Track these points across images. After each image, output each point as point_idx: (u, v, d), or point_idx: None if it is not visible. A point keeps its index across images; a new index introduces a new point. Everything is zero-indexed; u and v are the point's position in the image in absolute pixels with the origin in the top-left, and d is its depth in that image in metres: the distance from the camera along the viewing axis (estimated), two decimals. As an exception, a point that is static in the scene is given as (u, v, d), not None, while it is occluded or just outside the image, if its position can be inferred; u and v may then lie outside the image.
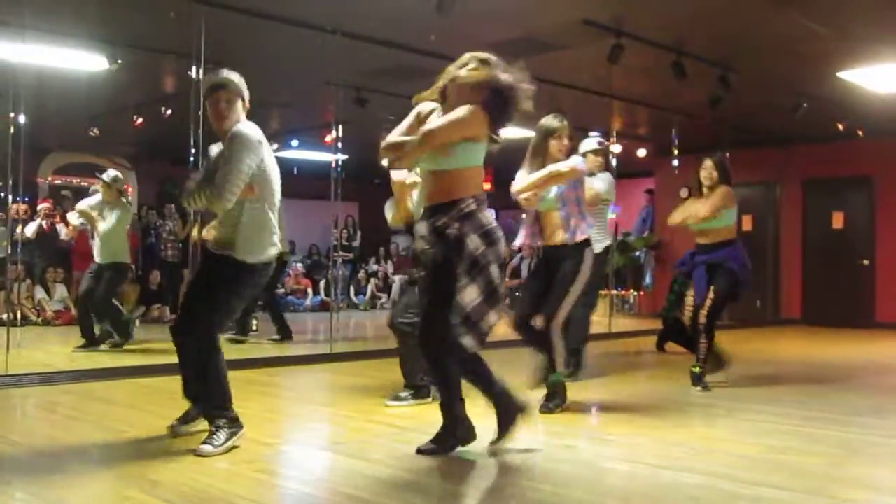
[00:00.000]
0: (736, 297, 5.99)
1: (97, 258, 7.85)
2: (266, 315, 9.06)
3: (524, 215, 5.07)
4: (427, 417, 4.70)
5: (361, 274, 15.75)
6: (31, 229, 10.73)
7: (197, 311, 3.94)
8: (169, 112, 9.47)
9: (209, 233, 4.19)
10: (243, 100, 4.04)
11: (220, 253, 3.97)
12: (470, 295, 3.54)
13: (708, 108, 9.21)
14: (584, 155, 6.88)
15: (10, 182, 6.69)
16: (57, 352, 7.77)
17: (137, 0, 6.57)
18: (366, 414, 4.87)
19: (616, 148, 10.66)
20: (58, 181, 13.42)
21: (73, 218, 8.82)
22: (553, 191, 4.83)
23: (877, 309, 12.14)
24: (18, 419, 5.10)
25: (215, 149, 4.20)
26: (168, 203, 12.78)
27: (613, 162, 9.34)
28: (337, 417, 4.92)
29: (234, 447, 3.82)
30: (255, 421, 4.45)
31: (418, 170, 3.92)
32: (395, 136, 3.86)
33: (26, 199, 10.72)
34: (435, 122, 3.71)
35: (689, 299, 6.25)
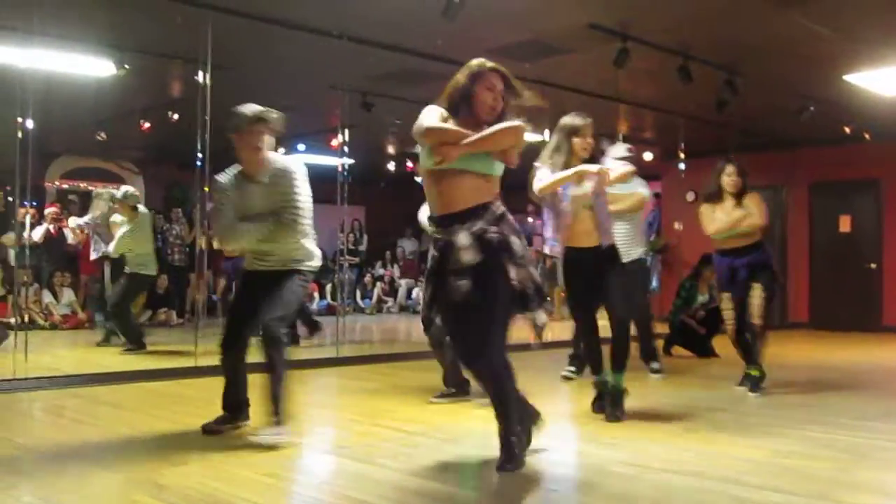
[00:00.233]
0: (773, 297, 5.91)
1: (126, 265, 8.14)
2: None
3: (547, 216, 4.98)
4: (434, 421, 4.71)
5: (368, 278, 15.76)
6: (38, 233, 10.77)
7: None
8: (176, 116, 9.50)
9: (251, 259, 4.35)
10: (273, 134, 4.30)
11: (287, 269, 4.32)
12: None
13: (714, 111, 9.20)
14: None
15: (19, 186, 6.72)
16: (64, 355, 7.80)
17: (144, 5, 6.59)
18: (372, 417, 4.87)
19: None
20: (65, 185, 13.47)
21: (73, 222, 8.98)
22: (587, 188, 4.75)
23: (884, 312, 12.10)
24: (26, 422, 5.11)
25: (225, 178, 4.35)
26: (175, 207, 12.82)
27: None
28: (343, 421, 4.93)
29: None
30: (261, 424, 4.46)
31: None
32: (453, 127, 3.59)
33: (34, 203, 10.76)
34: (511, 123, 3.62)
35: (729, 313, 5.95)
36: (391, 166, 13.78)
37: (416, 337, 9.04)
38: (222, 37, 6.84)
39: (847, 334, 11.37)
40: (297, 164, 4.31)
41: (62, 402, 5.51)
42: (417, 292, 14.85)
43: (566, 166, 4.71)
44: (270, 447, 3.96)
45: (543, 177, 4.77)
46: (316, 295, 14.76)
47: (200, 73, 7.03)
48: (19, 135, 6.49)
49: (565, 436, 4.64)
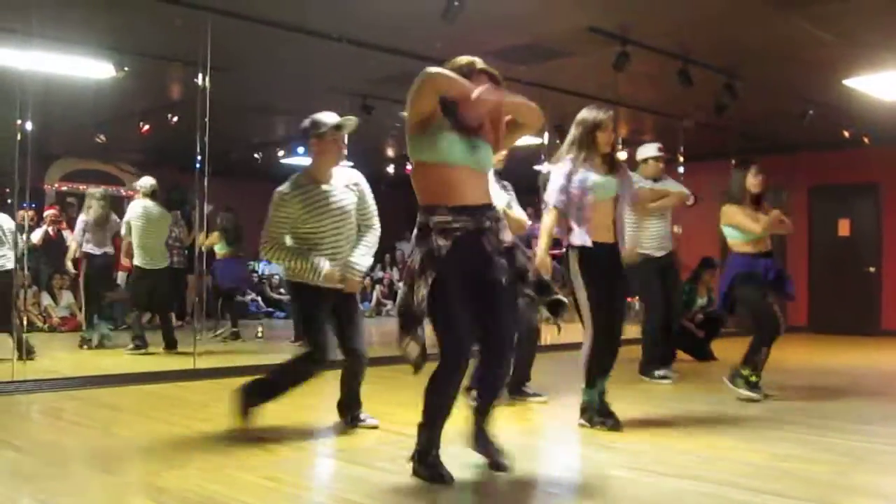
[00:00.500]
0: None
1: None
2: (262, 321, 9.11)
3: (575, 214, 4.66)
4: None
5: (367, 280, 15.76)
6: (37, 236, 10.76)
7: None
8: (175, 119, 9.50)
9: (334, 273, 4.33)
10: None
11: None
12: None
13: (714, 114, 9.21)
14: (644, 161, 6.94)
15: (18, 188, 6.71)
16: (63, 358, 7.78)
17: (144, 8, 6.59)
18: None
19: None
20: (64, 188, 13.46)
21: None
22: (614, 183, 4.64)
23: (883, 316, 12.10)
24: (24, 425, 5.11)
25: (290, 189, 4.40)
26: (174, 209, 12.79)
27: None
28: (342, 424, 4.92)
29: None
30: (260, 427, 4.45)
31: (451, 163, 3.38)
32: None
33: (33, 205, 10.74)
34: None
35: (777, 314, 5.75)
36: (391, 169, 13.77)
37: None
38: (222, 39, 6.84)
39: (846, 338, 11.36)
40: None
41: (60, 404, 5.50)
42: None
43: (590, 162, 4.59)
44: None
45: (556, 177, 4.62)
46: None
47: (200, 76, 7.03)
48: (18, 137, 6.49)
49: (564, 438, 4.63)
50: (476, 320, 3.40)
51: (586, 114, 4.66)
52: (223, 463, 3.76)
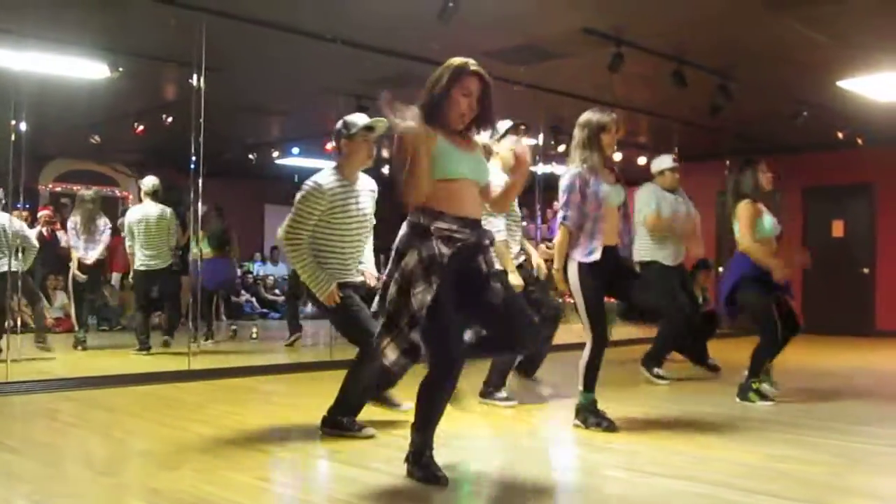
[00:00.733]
0: None
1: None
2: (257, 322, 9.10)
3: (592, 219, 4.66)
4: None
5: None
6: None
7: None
8: (170, 120, 9.48)
9: (335, 296, 4.34)
10: None
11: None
12: None
13: (708, 116, 9.22)
14: (661, 172, 6.93)
15: (11, 189, 6.70)
16: (57, 359, 7.76)
17: (138, 9, 6.59)
18: (365, 421, 4.85)
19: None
20: (58, 188, 13.43)
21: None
22: (621, 192, 4.68)
23: (877, 317, 12.13)
24: (19, 426, 5.09)
25: (326, 182, 4.43)
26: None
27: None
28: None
29: None
30: (255, 428, 4.45)
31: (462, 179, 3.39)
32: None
33: (27, 206, 10.72)
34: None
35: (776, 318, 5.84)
36: (385, 170, 13.76)
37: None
38: (216, 40, 6.84)
39: (840, 339, 11.38)
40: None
41: (55, 405, 5.49)
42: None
43: (596, 164, 4.60)
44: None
45: (571, 192, 4.62)
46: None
47: (194, 76, 7.03)
48: (12, 137, 6.47)
49: (559, 439, 4.64)
50: (474, 321, 3.46)
51: (590, 115, 4.67)
52: (217, 464, 3.75)
